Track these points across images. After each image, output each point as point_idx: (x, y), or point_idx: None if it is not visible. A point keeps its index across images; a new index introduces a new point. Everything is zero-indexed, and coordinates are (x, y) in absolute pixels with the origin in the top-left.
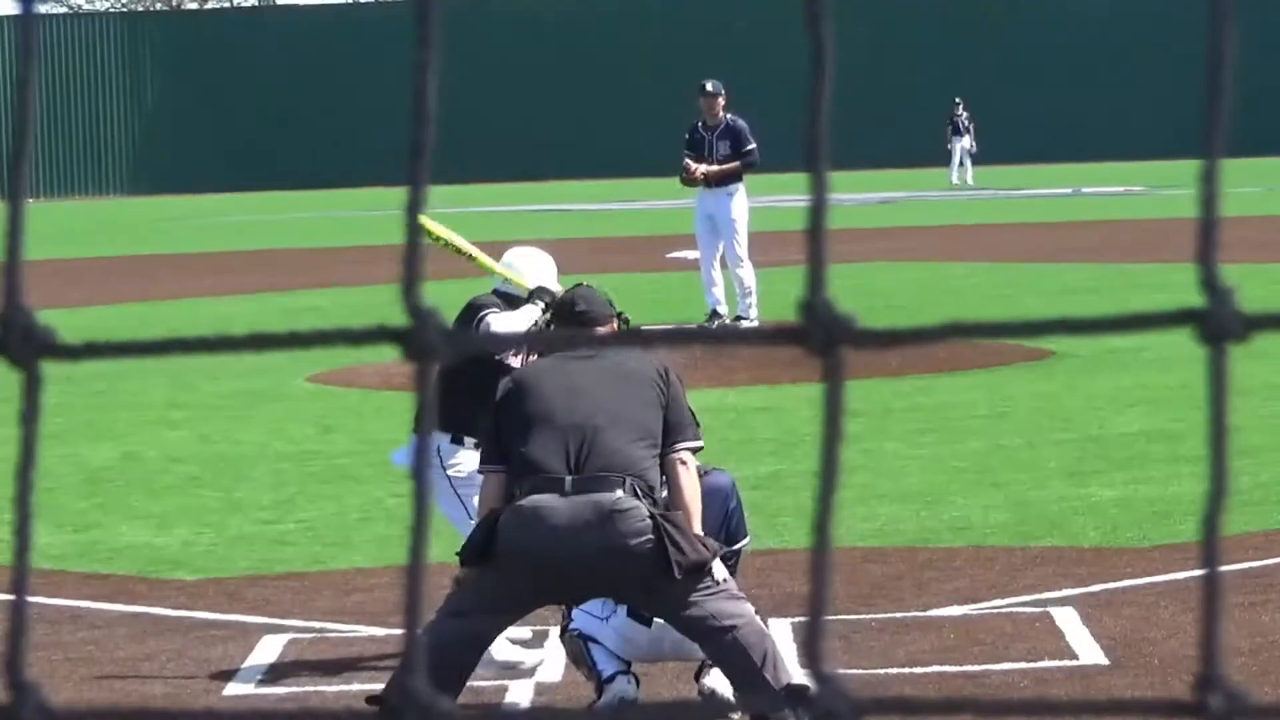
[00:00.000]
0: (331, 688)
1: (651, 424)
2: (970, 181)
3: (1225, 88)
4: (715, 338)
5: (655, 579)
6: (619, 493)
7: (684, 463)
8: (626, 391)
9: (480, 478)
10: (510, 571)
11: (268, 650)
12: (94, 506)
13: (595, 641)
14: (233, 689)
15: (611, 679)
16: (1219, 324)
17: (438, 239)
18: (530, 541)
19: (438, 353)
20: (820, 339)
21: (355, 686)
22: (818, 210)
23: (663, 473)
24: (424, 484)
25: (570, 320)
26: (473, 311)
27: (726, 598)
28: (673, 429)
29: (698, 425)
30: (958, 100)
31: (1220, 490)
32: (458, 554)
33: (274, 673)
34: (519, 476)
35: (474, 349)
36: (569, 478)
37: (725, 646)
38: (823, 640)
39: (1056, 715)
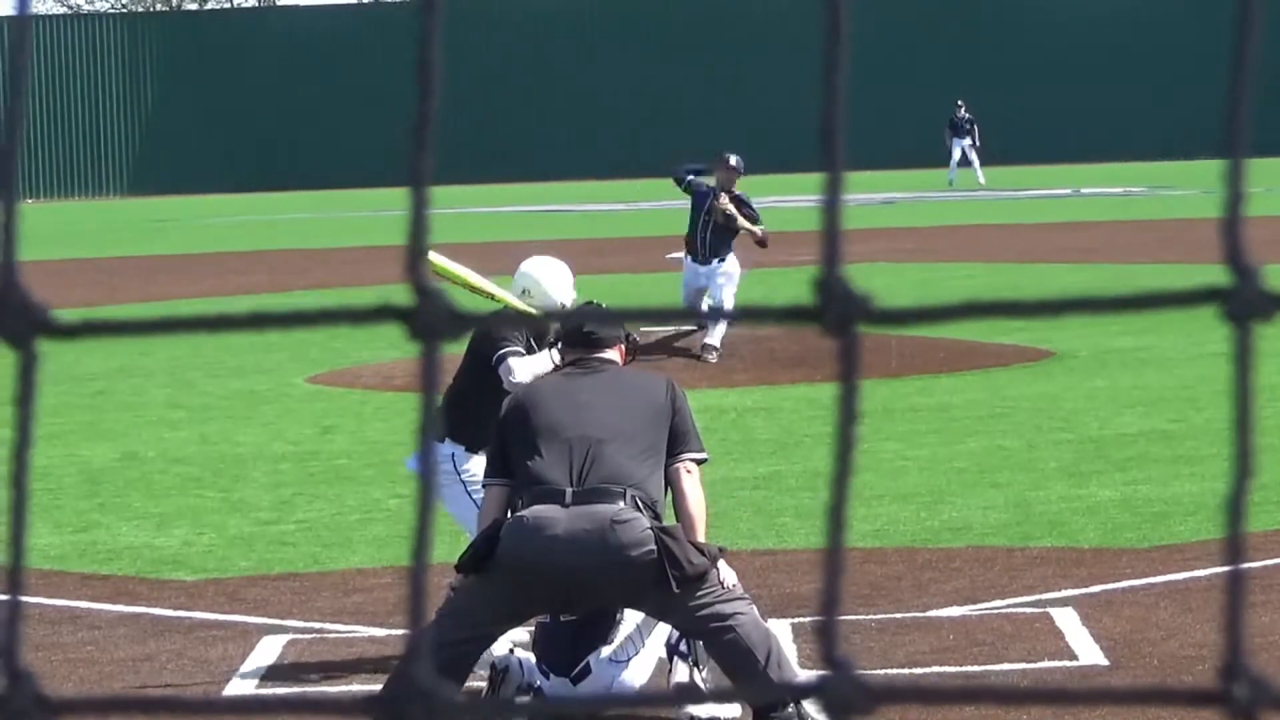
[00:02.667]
0: (331, 688)
1: (654, 438)
2: (982, 181)
3: (1251, 57)
4: (730, 317)
5: (654, 590)
6: (620, 504)
7: (688, 471)
8: (630, 406)
9: None
10: (510, 580)
11: (268, 650)
12: (94, 506)
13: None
14: (233, 689)
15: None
16: (1244, 302)
17: (450, 276)
18: (531, 551)
19: (443, 331)
20: (835, 317)
21: (355, 686)
22: (833, 188)
23: (667, 483)
24: (430, 462)
25: (578, 342)
26: (489, 338)
27: (728, 600)
28: (678, 439)
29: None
30: (959, 102)
31: (1244, 473)
32: (456, 564)
33: (274, 673)
34: (521, 489)
35: (480, 328)
36: (570, 490)
37: (728, 646)
38: (837, 625)
39: (1074, 704)
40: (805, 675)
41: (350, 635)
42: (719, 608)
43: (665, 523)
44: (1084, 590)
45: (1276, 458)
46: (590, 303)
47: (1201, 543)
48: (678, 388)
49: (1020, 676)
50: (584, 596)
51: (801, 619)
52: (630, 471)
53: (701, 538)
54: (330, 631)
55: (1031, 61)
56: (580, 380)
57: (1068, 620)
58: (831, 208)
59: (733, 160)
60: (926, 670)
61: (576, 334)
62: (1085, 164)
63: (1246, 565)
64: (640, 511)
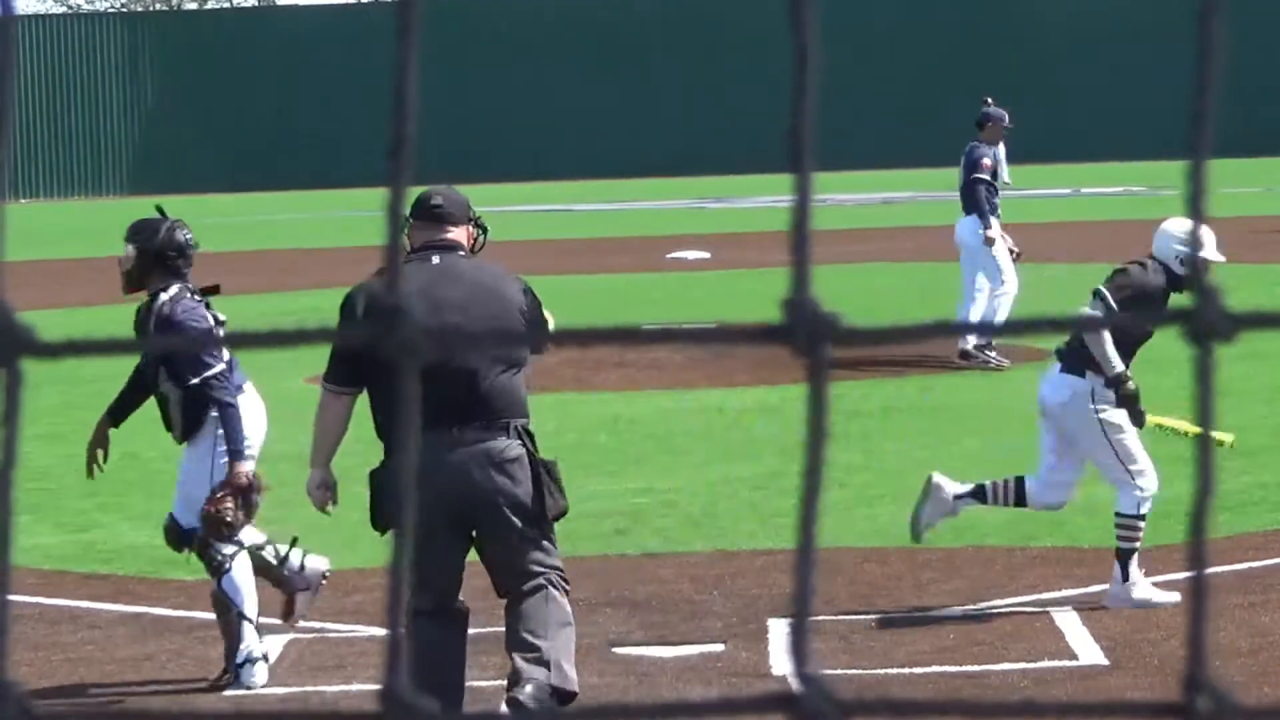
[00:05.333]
0: (331, 688)
1: (524, 351)
2: (1007, 180)
3: (1211, 90)
4: (698, 337)
5: (525, 521)
6: (504, 440)
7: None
8: (497, 319)
9: None
10: (420, 519)
11: (268, 650)
12: (94, 506)
13: (247, 619)
14: (233, 689)
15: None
16: (1206, 323)
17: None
18: (428, 488)
19: (419, 350)
20: (805, 338)
21: (355, 686)
22: (802, 208)
23: None
24: (407, 483)
25: (425, 216)
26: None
27: (559, 576)
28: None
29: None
30: (987, 99)
31: (1206, 490)
32: (375, 527)
33: (274, 673)
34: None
35: (458, 347)
36: (456, 428)
37: (531, 605)
38: (807, 640)
39: (1043, 717)
40: (573, 684)
41: (350, 635)
42: (546, 571)
43: (537, 446)
44: (1084, 590)
45: (1276, 458)
46: (442, 186)
47: None
48: (526, 285)
49: (1020, 676)
50: (475, 520)
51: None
52: (510, 399)
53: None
54: (330, 631)
55: (1032, 61)
56: (443, 290)
57: (1068, 620)
58: (800, 225)
59: (997, 109)
60: (927, 670)
61: (425, 208)
62: (1085, 164)
63: (1225, 568)
64: (523, 444)
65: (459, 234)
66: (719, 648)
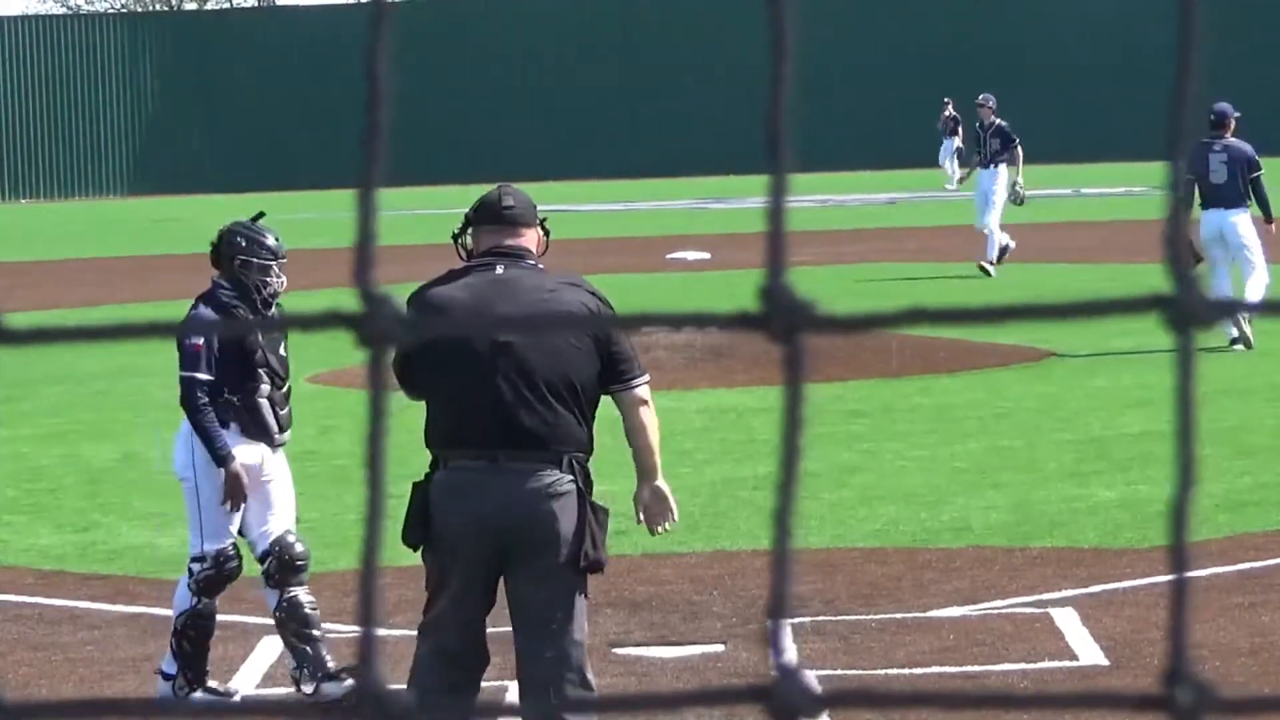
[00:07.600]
0: (331, 687)
1: (587, 376)
2: (951, 186)
3: (1189, 88)
4: (674, 322)
5: (558, 560)
6: (555, 473)
7: (644, 402)
8: (562, 342)
9: None
10: (453, 546)
11: (268, 650)
12: (94, 506)
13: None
14: (232, 689)
15: (332, 677)
16: (1186, 309)
17: None
18: (466, 514)
19: (390, 338)
20: (781, 325)
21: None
22: (777, 196)
23: (619, 409)
24: (378, 478)
25: (496, 219)
26: None
27: (581, 632)
28: (621, 363)
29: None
30: (946, 100)
31: (1187, 482)
32: (404, 540)
33: (274, 673)
34: (446, 444)
35: (429, 336)
36: (502, 453)
37: (545, 662)
38: (784, 632)
39: (1021, 708)
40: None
41: (350, 635)
42: (570, 623)
43: (592, 487)
44: (1084, 590)
45: (1276, 458)
46: (506, 185)
47: (1202, 543)
48: (608, 302)
49: (1020, 677)
50: (511, 550)
51: (802, 619)
52: (563, 430)
53: (659, 460)
54: (330, 631)
55: (1031, 61)
56: (499, 308)
57: (1068, 620)
58: (776, 214)
59: (1224, 104)
60: (926, 670)
61: (494, 209)
62: (1085, 164)
63: (1225, 568)
64: (575, 478)
65: (529, 238)
66: (719, 648)
